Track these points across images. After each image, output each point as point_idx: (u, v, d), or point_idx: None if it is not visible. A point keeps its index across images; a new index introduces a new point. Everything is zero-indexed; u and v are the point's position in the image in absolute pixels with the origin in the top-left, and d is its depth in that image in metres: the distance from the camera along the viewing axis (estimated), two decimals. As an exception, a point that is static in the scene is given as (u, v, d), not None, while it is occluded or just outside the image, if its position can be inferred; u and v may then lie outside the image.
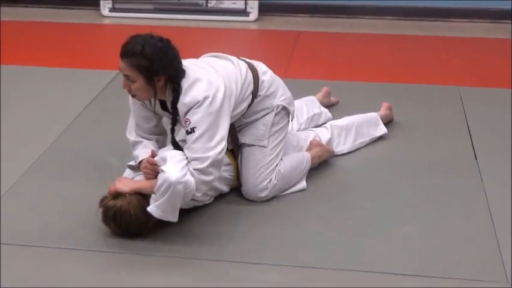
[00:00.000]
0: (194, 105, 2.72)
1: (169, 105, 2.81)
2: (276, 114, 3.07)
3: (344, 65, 4.84)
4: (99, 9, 5.88)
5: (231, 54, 3.08)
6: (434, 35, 5.43)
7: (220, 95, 2.75)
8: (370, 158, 3.46)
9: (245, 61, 3.07)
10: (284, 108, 3.10)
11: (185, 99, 2.74)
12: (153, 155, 2.80)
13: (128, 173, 2.95)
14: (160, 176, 2.67)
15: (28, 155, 3.44)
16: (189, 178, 2.67)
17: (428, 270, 2.62)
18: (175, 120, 2.83)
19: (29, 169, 3.32)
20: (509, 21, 5.58)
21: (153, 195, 2.71)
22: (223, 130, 2.76)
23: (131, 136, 2.97)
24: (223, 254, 2.71)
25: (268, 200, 3.05)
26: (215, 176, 2.78)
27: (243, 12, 5.79)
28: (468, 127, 3.76)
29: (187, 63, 2.84)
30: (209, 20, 5.77)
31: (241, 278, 2.59)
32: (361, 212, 3.00)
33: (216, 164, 2.74)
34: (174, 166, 2.67)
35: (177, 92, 2.75)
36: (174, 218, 2.73)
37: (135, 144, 2.95)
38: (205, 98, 2.72)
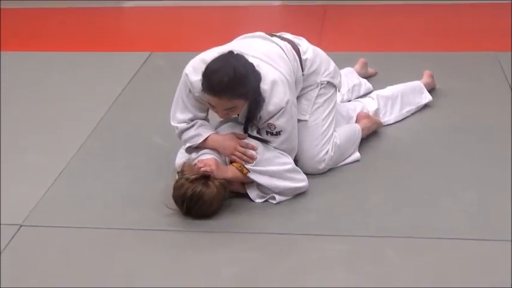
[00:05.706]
0: (278, 112, 2.75)
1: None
2: (320, 89, 3.05)
3: (377, 36, 4.77)
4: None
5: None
6: (466, 2, 5.35)
7: (292, 95, 2.81)
8: (418, 127, 3.42)
9: (288, 40, 3.02)
10: (328, 82, 3.07)
11: (269, 108, 2.76)
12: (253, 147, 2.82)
13: (180, 155, 2.92)
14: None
15: (74, 139, 3.41)
16: None
17: (492, 234, 2.60)
18: (250, 120, 2.84)
19: (76, 153, 3.30)
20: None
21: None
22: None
23: (179, 123, 2.88)
24: (289, 227, 2.69)
25: (324, 172, 3.02)
26: None
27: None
28: (512, 92, 3.71)
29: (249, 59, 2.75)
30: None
31: (309, 249, 2.57)
32: (419, 180, 2.97)
33: None
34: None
35: (259, 96, 2.75)
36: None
37: (190, 127, 2.87)
38: (287, 102, 2.76)
